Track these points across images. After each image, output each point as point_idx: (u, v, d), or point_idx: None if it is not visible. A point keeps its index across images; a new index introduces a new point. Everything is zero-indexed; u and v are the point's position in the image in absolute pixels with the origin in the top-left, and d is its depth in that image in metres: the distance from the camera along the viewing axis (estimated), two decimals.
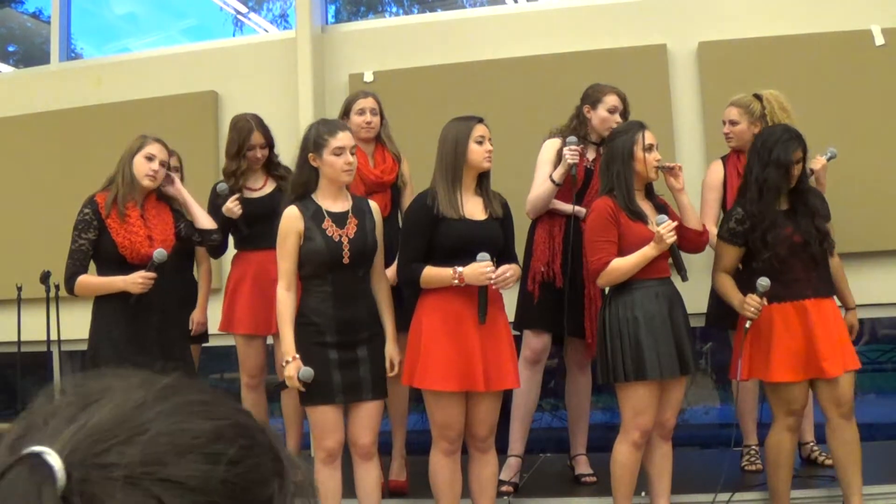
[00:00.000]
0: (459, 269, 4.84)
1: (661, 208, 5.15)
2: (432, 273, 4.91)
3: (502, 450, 5.77)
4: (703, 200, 5.96)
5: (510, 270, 4.94)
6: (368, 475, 5.08)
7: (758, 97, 5.85)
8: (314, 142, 4.99)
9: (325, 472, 4.96)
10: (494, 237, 5.03)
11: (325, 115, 7.25)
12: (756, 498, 5.48)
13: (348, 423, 5.04)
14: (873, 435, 5.30)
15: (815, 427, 5.84)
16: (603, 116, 5.76)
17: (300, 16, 7.55)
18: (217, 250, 6.08)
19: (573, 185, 5.64)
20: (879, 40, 6.98)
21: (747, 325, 5.05)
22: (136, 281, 5.12)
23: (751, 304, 5.02)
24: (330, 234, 4.94)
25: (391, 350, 5.08)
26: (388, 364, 5.06)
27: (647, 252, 4.96)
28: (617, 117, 5.75)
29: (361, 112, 5.87)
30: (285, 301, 4.95)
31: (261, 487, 1.02)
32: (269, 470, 1.03)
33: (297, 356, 4.88)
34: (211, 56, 7.93)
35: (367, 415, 5.00)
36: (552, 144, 5.80)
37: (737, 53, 6.98)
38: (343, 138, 4.95)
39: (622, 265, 4.99)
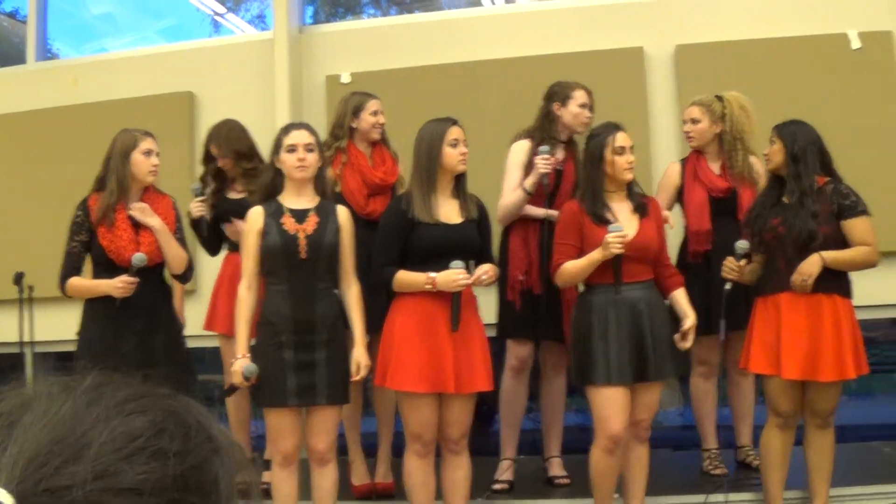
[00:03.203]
0: (433, 274, 4.84)
1: (642, 207, 5.16)
2: (405, 277, 4.92)
3: (493, 452, 5.93)
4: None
5: (486, 272, 4.95)
6: (324, 480, 5.05)
7: (719, 98, 5.90)
8: (274, 144, 5.10)
9: (281, 476, 4.96)
10: (470, 240, 5.04)
11: (301, 115, 7.26)
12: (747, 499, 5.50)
13: (305, 427, 5.02)
14: (845, 437, 5.30)
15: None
16: (575, 112, 5.78)
17: (278, 16, 7.54)
18: (213, 250, 6.19)
19: (545, 191, 5.64)
20: (856, 44, 7.03)
21: (727, 287, 5.17)
22: (116, 285, 5.10)
23: (725, 265, 5.15)
24: (286, 229, 4.95)
25: (359, 354, 5.03)
26: (353, 367, 5.02)
27: (594, 256, 4.97)
28: (588, 112, 5.79)
29: (375, 113, 5.85)
30: (243, 300, 4.98)
31: (206, 471, 1.00)
32: (207, 450, 1.02)
33: (248, 355, 4.90)
34: (188, 57, 7.91)
35: (322, 420, 4.97)
36: (521, 147, 5.78)
37: (713, 56, 7.01)
38: (296, 136, 5.01)
39: (571, 268, 5.04)
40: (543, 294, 5.66)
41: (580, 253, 5.04)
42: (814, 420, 5.14)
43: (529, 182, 5.63)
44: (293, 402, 4.91)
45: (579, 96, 5.81)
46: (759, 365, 5.12)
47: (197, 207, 5.88)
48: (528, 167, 5.67)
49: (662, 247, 5.24)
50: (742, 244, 5.11)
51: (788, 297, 5.06)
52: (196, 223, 5.93)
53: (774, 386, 5.10)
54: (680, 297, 5.22)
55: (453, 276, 4.82)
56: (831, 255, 5.04)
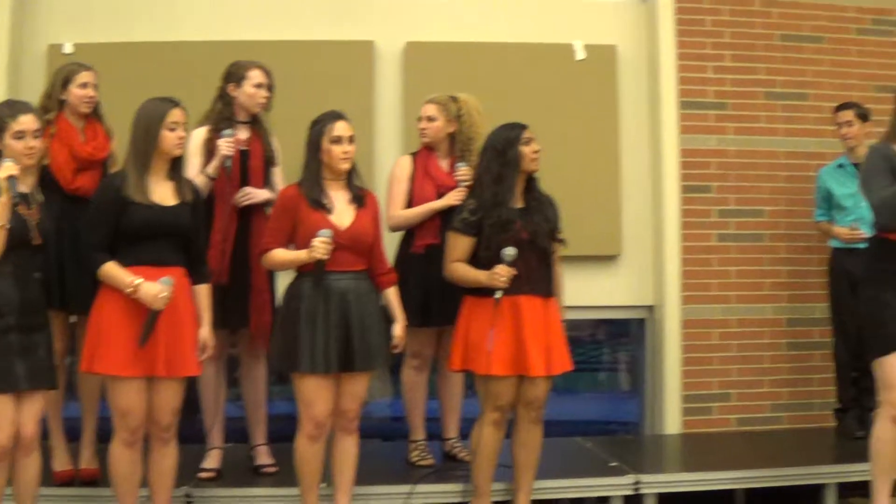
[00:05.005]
0: (138, 281, 4.76)
1: (359, 198, 5.22)
2: (112, 271, 4.80)
3: (200, 440, 5.83)
4: (391, 193, 6.08)
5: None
6: (28, 472, 4.81)
7: (454, 98, 6.04)
8: None
9: None
10: (182, 223, 4.97)
11: (20, 85, 6.97)
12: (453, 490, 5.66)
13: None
14: (549, 432, 5.51)
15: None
16: (250, 92, 5.79)
17: None
18: None
19: (228, 175, 5.63)
20: (580, 55, 7.35)
21: (497, 296, 5.15)
22: None
23: (501, 274, 5.14)
24: (20, 213, 4.71)
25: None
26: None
27: (300, 256, 5.05)
28: (264, 92, 5.82)
29: (84, 86, 5.61)
30: None
31: None
32: None
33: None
34: None
35: (33, 405, 4.75)
36: (198, 134, 5.75)
37: (442, 56, 7.17)
38: (25, 122, 4.78)
39: (275, 257, 5.17)
40: (230, 281, 5.65)
41: (289, 238, 5.13)
42: (528, 415, 5.35)
43: (212, 166, 5.62)
44: (24, 386, 4.67)
45: (255, 76, 5.82)
46: (503, 366, 5.20)
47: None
48: (209, 153, 5.66)
49: (377, 240, 5.31)
50: (511, 251, 5.14)
51: (527, 299, 5.24)
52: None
53: (502, 385, 5.25)
54: (392, 298, 5.37)
55: (155, 292, 4.76)
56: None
